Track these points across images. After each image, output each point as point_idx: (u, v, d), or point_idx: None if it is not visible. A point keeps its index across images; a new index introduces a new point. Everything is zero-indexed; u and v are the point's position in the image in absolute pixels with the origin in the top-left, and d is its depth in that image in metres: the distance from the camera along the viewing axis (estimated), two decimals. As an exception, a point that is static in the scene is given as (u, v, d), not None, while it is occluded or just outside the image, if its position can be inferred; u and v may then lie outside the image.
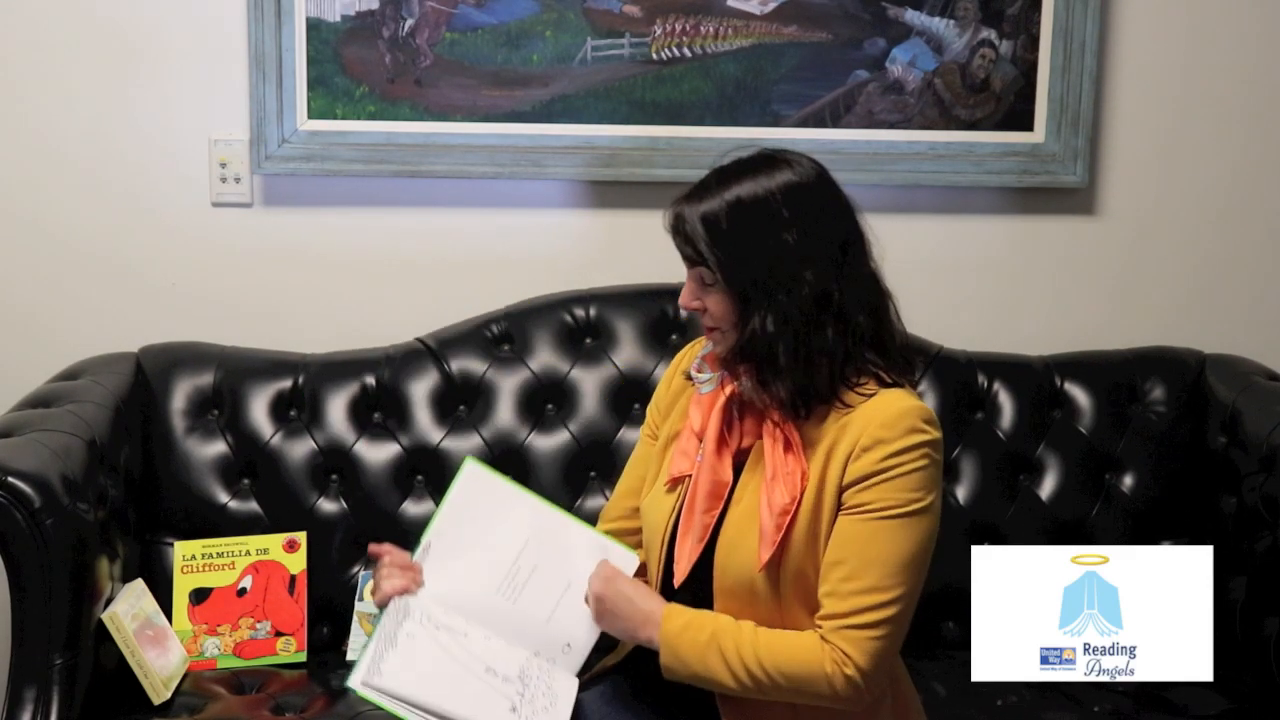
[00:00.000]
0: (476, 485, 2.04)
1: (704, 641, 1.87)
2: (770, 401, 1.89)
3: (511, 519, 2.02)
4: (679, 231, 1.90)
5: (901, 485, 1.84)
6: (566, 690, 1.95)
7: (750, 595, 1.90)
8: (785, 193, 1.87)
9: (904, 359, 1.94)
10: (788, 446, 1.89)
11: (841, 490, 1.86)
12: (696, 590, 1.95)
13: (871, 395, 1.88)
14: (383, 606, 1.96)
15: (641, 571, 2.04)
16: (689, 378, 2.02)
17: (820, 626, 1.86)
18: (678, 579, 1.95)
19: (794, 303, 1.85)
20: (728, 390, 1.94)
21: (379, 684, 1.86)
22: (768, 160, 1.91)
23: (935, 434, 1.87)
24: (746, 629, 1.88)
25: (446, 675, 1.90)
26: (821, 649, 1.84)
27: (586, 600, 1.97)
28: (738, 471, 1.95)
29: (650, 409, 2.16)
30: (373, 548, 2.03)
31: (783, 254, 1.86)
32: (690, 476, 1.97)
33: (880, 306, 1.92)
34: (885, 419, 1.85)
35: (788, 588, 1.89)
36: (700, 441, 1.98)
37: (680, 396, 2.08)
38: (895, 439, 1.84)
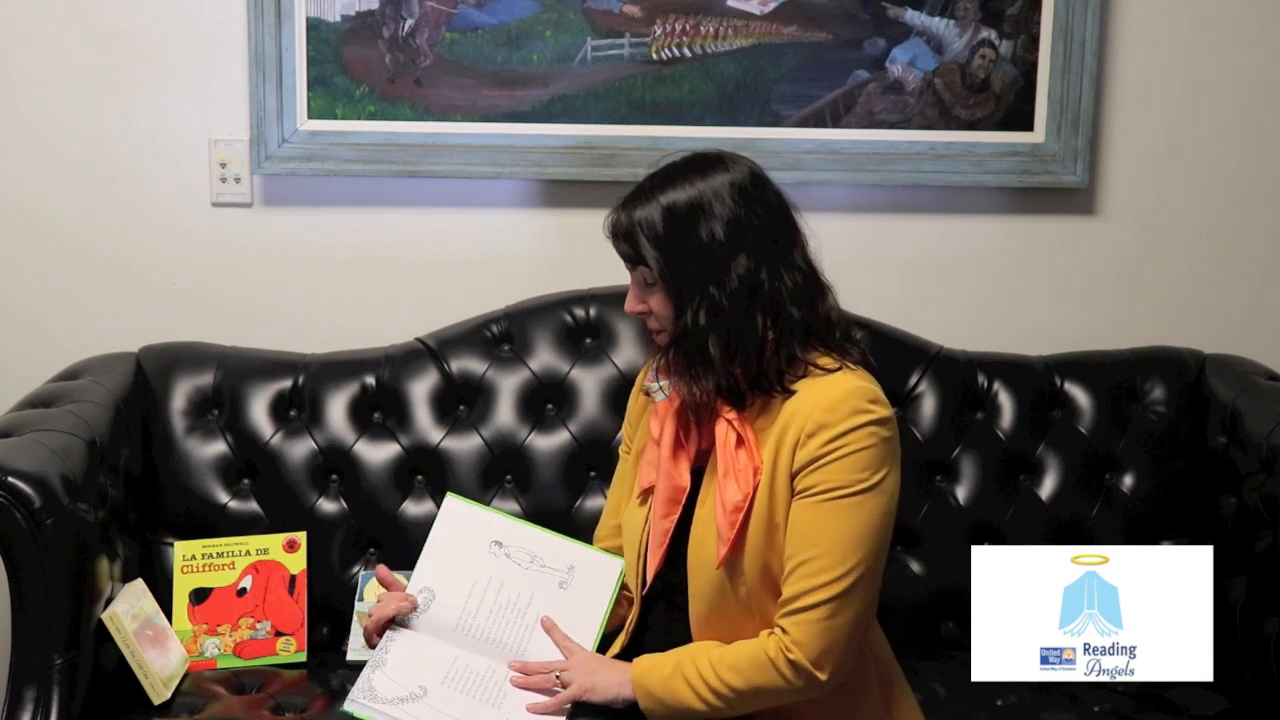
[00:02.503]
0: (456, 520, 2.10)
1: (668, 674, 1.90)
2: (700, 394, 1.91)
3: (492, 547, 2.07)
4: (618, 235, 1.94)
5: (847, 466, 1.85)
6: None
7: (719, 595, 1.92)
8: (717, 191, 1.90)
9: (848, 342, 1.96)
10: (740, 442, 1.91)
11: (792, 477, 1.88)
12: (672, 597, 1.98)
13: (817, 378, 1.90)
14: (379, 633, 2.04)
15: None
16: (646, 392, 2.05)
17: (780, 621, 1.88)
18: (646, 587, 1.99)
19: (725, 295, 1.88)
20: (680, 396, 1.96)
21: (371, 701, 1.96)
22: (700, 160, 1.95)
23: (882, 412, 1.89)
24: (705, 649, 1.91)
25: (435, 691, 1.98)
26: (765, 640, 1.87)
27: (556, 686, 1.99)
28: (702, 475, 1.97)
29: (624, 425, 2.21)
30: (380, 572, 2.10)
31: (714, 249, 1.89)
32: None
33: (816, 297, 1.95)
34: (828, 402, 1.87)
35: (754, 583, 1.90)
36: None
37: (645, 410, 2.10)
38: (838, 421, 1.86)
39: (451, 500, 2.13)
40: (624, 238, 1.93)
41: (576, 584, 2.06)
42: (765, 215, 1.92)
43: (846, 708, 1.94)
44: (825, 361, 1.92)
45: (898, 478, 1.91)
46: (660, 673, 1.91)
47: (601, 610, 2.05)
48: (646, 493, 2.03)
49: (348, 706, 1.98)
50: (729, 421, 1.92)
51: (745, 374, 1.91)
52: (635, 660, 1.95)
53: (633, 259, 1.94)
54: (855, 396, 1.88)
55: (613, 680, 1.95)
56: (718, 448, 1.93)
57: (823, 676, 1.86)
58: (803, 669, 1.85)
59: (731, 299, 1.88)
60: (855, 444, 1.86)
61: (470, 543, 2.08)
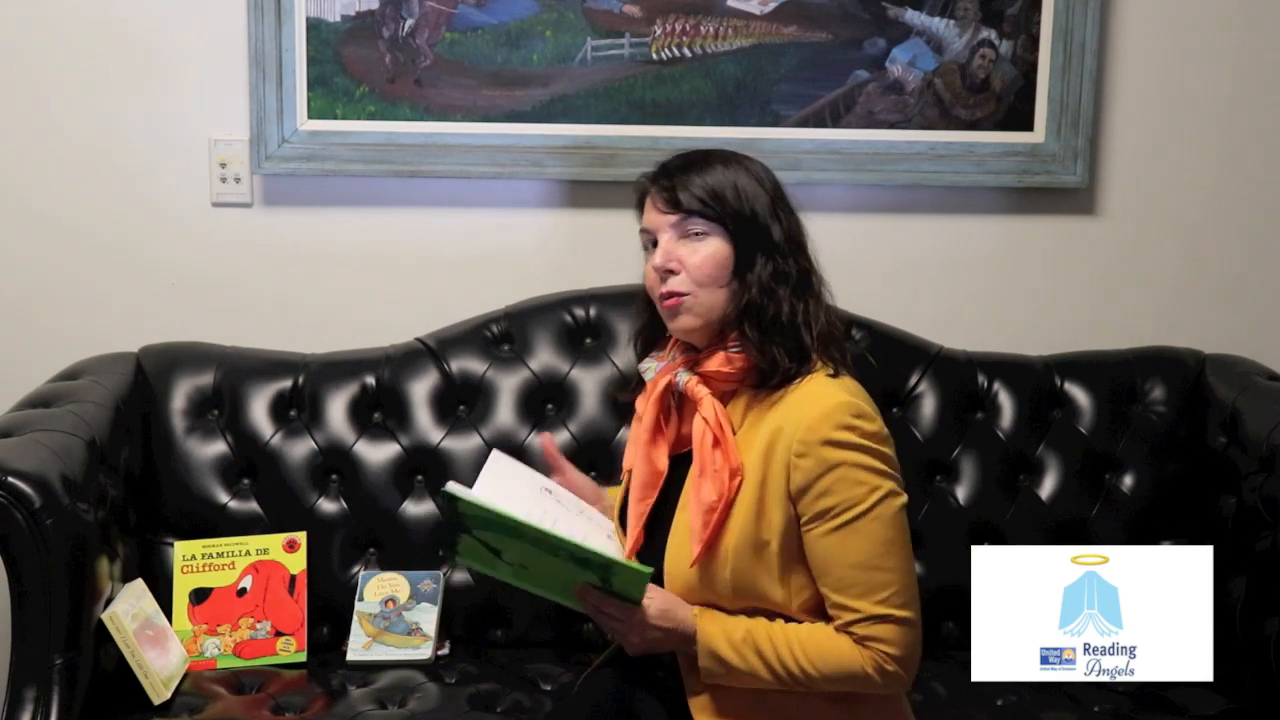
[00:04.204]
0: (504, 467, 2.13)
1: (739, 639, 1.90)
2: (765, 363, 1.92)
3: (543, 492, 2.10)
4: (674, 186, 1.95)
5: (849, 484, 1.87)
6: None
7: (691, 596, 1.94)
8: (768, 176, 1.99)
9: (837, 349, 1.98)
10: (716, 442, 1.92)
11: (791, 498, 1.89)
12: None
13: (805, 384, 1.92)
14: None
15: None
16: (635, 379, 2.08)
17: (851, 630, 1.89)
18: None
19: (790, 267, 1.94)
20: (663, 381, 1.98)
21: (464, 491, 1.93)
22: (732, 152, 2.01)
23: (867, 425, 1.89)
24: (778, 628, 1.91)
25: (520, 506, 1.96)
26: (860, 653, 1.89)
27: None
28: (685, 464, 1.98)
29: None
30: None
31: (778, 222, 1.95)
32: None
33: (818, 296, 2.00)
34: (811, 420, 1.88)
35: (737, 587, 1.91)
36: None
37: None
38: (826, 443, 1.87)
39: (498, 454, 2.15)
40: (683, 184, 1.94)
41: (617, 550, 2.06)
42: (788, 207, 2.00)
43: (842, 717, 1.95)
44: (816, 365, 1.94)
45: (899, 474, 1.92)
46: (731, 637, 1.90)
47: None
48: (629, 473, 2.07)
49: (448, 487, 1.92)
50: (705, 420, 1.93)
51: (801, 345, 1.93)
52: (698, 616, 1.93)
53: (688, 209, 1.94)
54: (840, 412, 1.88)
55: (674, 635, 1.93)
56: (694, 446, 1.95)
57: (911, 675, 1.93)
58: (897, 675, 1.91)
59: (794, 271, 1.95)
60: (850, 462, 1.87)
61: (520, 484, 2.10)
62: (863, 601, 1.88)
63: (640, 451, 2.01)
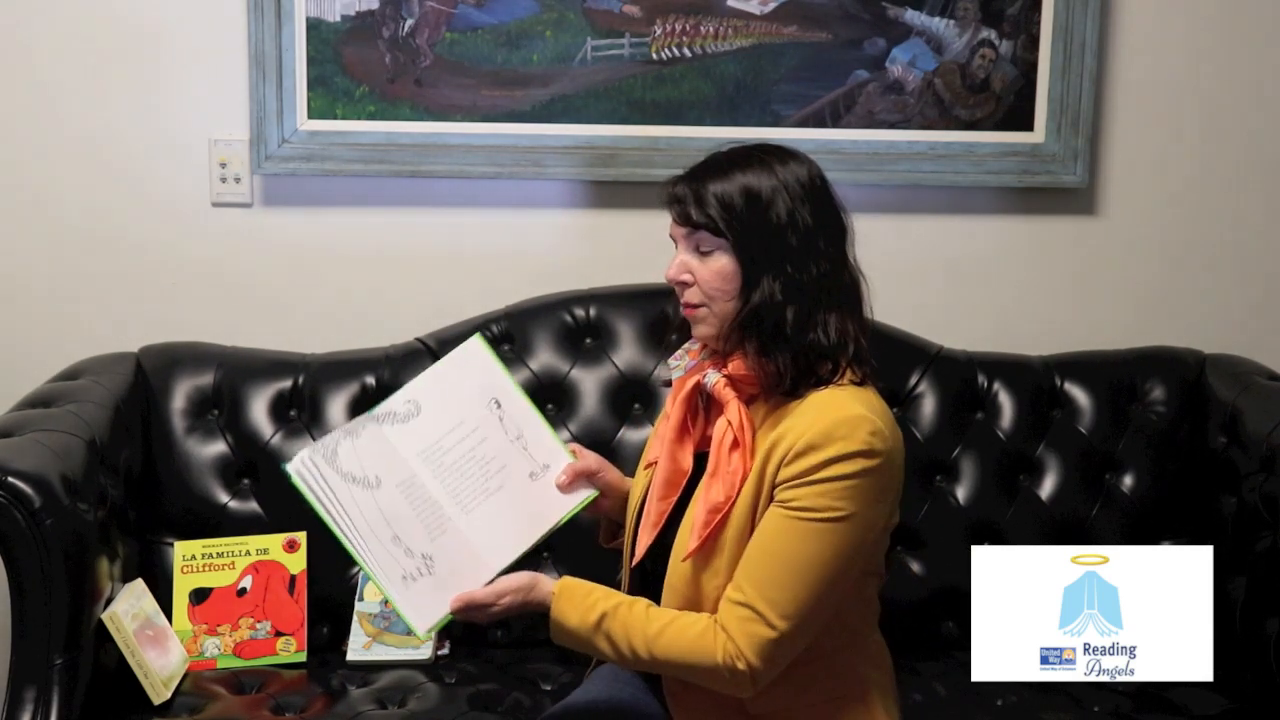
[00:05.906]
0: (473, 361, 2.11)
1: (592, 623, 1.91)
2: (766, 374, 1.91)
3: (491, 404, 2.09)
4: (686, 198, 1.93)
5: (823, 491, 1.84)
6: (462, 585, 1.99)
7: (687, 588, 1.93)
8: (797, 177, 1.93)
9: (863, 364, 1.95)
10: (735, 445, 1.91)
11: (774, 488, 1.89)
12: (653, 578, 1.99)
13: (827, 392, 1.90)
14: None
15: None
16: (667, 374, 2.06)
17: (724, 604, 1.88)
18: (634, 560, 2.01)
19: (803, 276, 1.90)
20: (692, 380, 1.98)
21: (327, 464, 1.98)
22: (773, 149, 1.97)
23: (877, 445, 1.86)
24: (639, 609, 1.91)
25: (364, 519, 2.00)
26: (715, 639, 1.87)
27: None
28: (704, 462, 1.97)
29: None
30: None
31: (795, 229, 1.90)
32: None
33: (860, 301, 1.98)
34: (824, 426, 1.86)
35: (731, 578, 1.90)
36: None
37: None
38: (828, 447, 1.85)
39: (477, 342, 2.13)
40: (694, 199, 1.92)
41: (543, 484, 2.07)
42: (835, 212, 1.97)
43: None
44: (845, 374, 1.92)
45: (882, 512, 1.90)
46: (584, 619, 1.92)
47: (548, 524, 2.05)
48: (651, 466, 2.05)
49: (292, 466, 1.99)
50: (729, 423, 1.92)
51: (811, 358, 1.91)
52: (559, 591, 1.94)
53: (697, 223, 1.92)
54: (852, 425, 1.86)
55: (527, 603, 1.98)
56: (712, 445, 1.94)
57: (756, 689, 1.88)
58: (744, 678, 1.87)
59: (809, 282, 1.91)
60: (837, 473, 1.84)
61: (473, 386, 2.09)
62: (748, 586, 1.86)
63: (665, 450, 1.99)
